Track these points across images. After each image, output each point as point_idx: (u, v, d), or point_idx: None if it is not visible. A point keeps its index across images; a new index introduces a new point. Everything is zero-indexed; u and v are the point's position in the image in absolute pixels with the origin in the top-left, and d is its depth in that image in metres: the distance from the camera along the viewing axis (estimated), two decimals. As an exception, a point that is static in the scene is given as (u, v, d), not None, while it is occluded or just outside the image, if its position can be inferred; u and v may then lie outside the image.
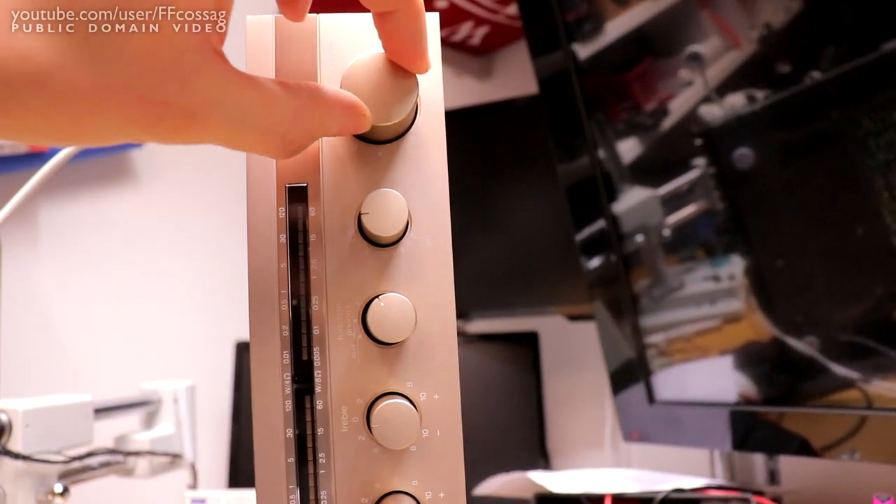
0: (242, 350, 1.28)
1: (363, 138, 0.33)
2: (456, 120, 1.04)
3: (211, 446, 1.24)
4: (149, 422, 0.91)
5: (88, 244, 1.17)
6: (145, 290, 1.22)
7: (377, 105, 0.31)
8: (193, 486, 0.91)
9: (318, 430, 0.31)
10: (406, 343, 0.32)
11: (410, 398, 0.31)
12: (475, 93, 1.36)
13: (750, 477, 0.91)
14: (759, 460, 0.93)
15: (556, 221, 1.08)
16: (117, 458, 0.82)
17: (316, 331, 0.31)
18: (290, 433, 0.31)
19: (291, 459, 0.30)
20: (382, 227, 0.31)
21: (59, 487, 0.69)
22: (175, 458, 0.88)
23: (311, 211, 0.32)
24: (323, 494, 0.31)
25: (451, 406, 0.32)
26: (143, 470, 0.84)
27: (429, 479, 0.31)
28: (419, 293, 0.32)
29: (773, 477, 0.93)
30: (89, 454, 0.75)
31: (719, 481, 0.80)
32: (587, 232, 0.95)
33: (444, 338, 0.32)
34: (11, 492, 0.68)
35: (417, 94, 0.32)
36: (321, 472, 0.31)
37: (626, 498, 0.71)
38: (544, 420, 1.20)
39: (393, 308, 0.31)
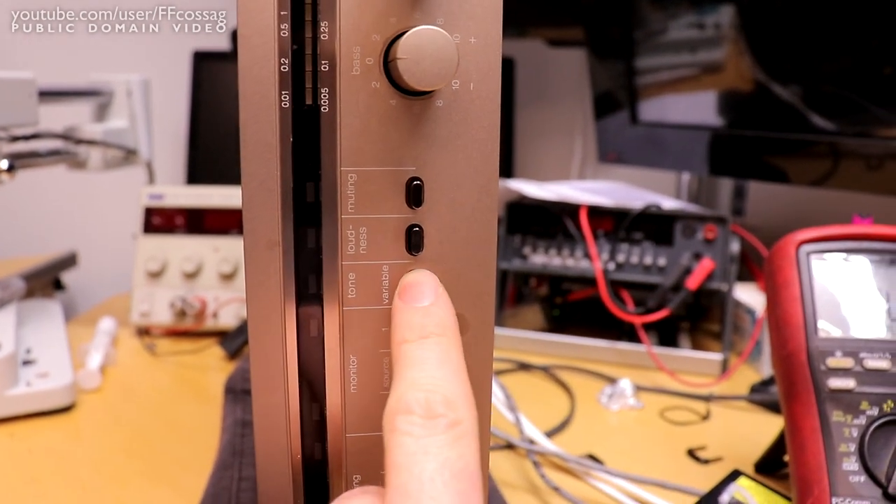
0: (200, 60, 1.19)
1: None
2: None
3: (168, 149, 1.20)
4: (100, 115, 0.85)
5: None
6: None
7: None
8: (150, 183, 0.87)
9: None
10: None
11: None
12: None
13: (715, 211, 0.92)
14: (724, 197, 0.93)
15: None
16: (68, 147, 0.77)
17: None
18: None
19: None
20: None
21: (4, 164, 0.65)
22: (130, 154, 0.83)
23: None
24: (324, 26, 0.26)
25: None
26: (96, 162, 0.80)
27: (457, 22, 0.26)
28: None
29: (738, 212, 0.94)
30: (35, 135, 0.69)
31: (691, 206, 0.80)
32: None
33: None
34: (-47, 165, 0.63)
35: None
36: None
37: (602, 210, 0.70)
38: (513, 152, 1.17)
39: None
